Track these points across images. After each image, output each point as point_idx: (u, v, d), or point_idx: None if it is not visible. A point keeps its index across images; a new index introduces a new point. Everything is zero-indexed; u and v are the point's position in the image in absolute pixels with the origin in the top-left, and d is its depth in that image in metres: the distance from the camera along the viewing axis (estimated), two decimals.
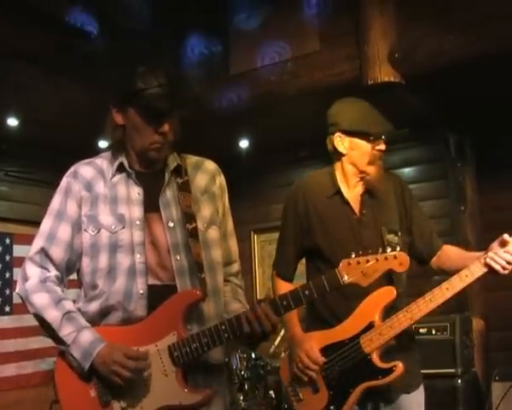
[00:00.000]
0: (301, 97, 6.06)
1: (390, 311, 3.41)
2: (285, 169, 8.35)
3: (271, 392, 6.42)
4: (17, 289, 2.84)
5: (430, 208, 6.64)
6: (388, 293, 3.38)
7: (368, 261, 2.69)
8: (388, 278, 3.30)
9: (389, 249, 2.74)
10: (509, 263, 3.29)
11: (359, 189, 3.61)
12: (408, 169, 7.28)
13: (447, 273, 3.49)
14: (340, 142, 3.60)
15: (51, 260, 2.81)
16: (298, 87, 5.99)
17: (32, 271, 2.81)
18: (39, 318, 2.76)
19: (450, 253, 3.66)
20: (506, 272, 3.31)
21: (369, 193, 3.60)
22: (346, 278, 2.69)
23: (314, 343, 3.45)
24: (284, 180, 8.34)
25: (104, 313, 2.75)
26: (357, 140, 3.56)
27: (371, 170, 3.56)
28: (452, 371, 5.89)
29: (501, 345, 6.70)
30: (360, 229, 3.55)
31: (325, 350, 3.44)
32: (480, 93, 6.12)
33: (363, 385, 3.36)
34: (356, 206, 3.59)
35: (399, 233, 3.56)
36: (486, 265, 3.32)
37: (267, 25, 6.09)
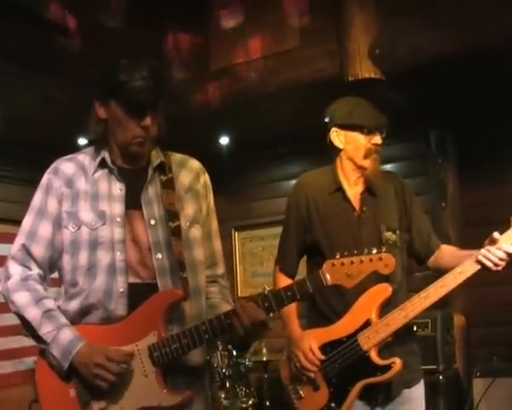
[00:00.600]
0: (282, 94, 6.04)
1: (388, 307, 3.43)
2: (266, 166, 8.35)
3: (253, 390, 6.41)
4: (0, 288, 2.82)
5: None
6: (384, 290, 3.40)
7: (352, 262, 2.66)
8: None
9: (374, 251, 2.69)
10: (501, 260, 3.32)
11: (360, 187, 3.65)
12: (389, 166, 7.26)
13: (443, 272, 3.50)
14: (337, 136, 3.65)
15: (33, 258, 2.79)
16: (278, 83, 5.97)
17: (14, 269, 2.79)
18: (20, 316, 2.75)
19: (445, 252, 3.70)
20: (499, 268, 3.35)
21: (369, 191, 3.64)
22: (329, 279, 2.66)
23: (312, 342, 3.47)
24: (265, 177, 8.36)
25: (84, 311, 2.73)
26: (352, 133, 3.62)
27: (367, 164, 3.60)
28: (434, 367, 5.91)
29: (482, 341, 6.71)
30: (359, 226, 3.58)
31: (324, 348, 3.47)
32: (460, 89, 6.12)
33: (361, 382, 3.40)
34: (356, 203, 3.63)
35: (398, 231, 3.61)
36: (479, 262, 3.36)
37: (247, 21, 6.07)
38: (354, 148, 3.61)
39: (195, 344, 2.65)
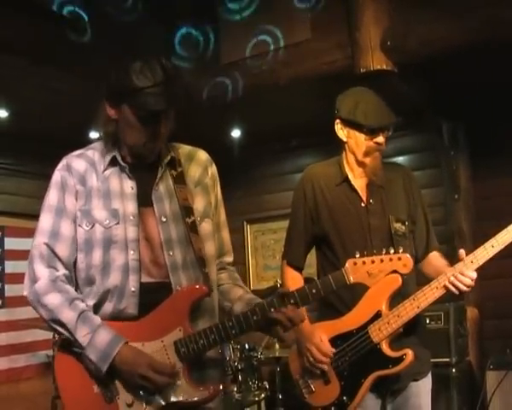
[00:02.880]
0: (293, 86, 6.03)
1: (398, 298, 3.43)
2: (278, 159, 8.34)
3: (265, 383, 6.41)
4: (26, 292, 2.75)
5: (424, 197, 6.61)
6: (394, 281, 3.36)
7: (373, 262, 2.74)
8: None
9: (392, 251, 2.76)
10: (467, 286, 3.36)
11: (366, 179, 3.64)
12: (401, 158, 7.26)
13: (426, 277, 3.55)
14: (340, 129, 3.65)
15: (58, 259, 2.74)
16: (289, 76, 5.95)
17: (41, 271, 2.73)
18: (53, 320, 2.68)
19: (431, 258, 3.70)
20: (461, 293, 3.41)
21: (375, 183, 3.64)
22: (352, 278, 2.72)
23: (323, 335, 3.47)
24: (277, 170, 8.35)
25: (96, 309, 2.71)
26: (352, 130, 3.59)
27: (368, 161, 3.58)
28: (447, 360, 5.90)
29: (495, 334, 6.69)
30: (368, 217, 3.57)
31: (334, 341, 3.47)
32: (473, 80, 6.10)
33: (374, 375, 3.40)
34: (363, 194, 3.62)
35: (407, 223, 3.61)
36: (445, 288, 3.40)
37: (257, 13, 6.05)
38: (355, 144, 3.59)
39: (222, 340, 2.65)
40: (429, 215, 3.80)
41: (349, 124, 3.59)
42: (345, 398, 3.41)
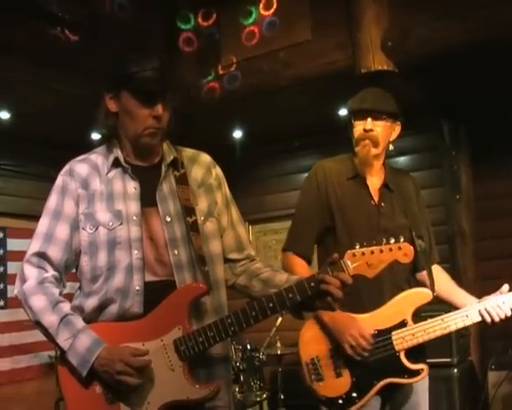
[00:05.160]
0: (294, 87, 6.03)
1: (387, 286, 3.45)
2: (279, 159, 8.35)
3: (267, 383, 6.42)
4: (15, 291, 2.79)
5: (425, 197, 6.54)
6: (425, 296, 3.44)
7: (372, 252, 2.69)
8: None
9: (392, 240, 2.72)
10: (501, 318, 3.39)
11: (376, 178, 3.66)
12: (402, 158, 7.26)
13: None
14: (350, 126, 3.68)
15: (49, 261, 2.77)
16: (290, 77, 5.95)
17: (30, 272, 2.76)
18: (37, 322, 2.71)
19: (438, 277, 3.67)
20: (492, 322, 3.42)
21: (386, 186, 3.65)
22: (351, 268, 2.67)
23: (367, 328, 3.40)
24: (278, 170, 8.35)
25: (101, 308, 2.72)
26: (353, 121, 3.62)
27: (358, 150, 3.61)
28: (448, 360, 5.89)
29: (497, 334, 6.65)
30: (378, 217, 3.58)
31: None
32: (473, 80, 6.10)
33: (388, 380, 3.40)
34: (375, 194, 3.63)
35: (425, 238, 3.60)
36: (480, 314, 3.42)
37: (259, 14, 6.06)
38: (352, 135, 3.63)
39: (221, 337, 2.65)
40: (431, 228, 3.81)
41: (351, 115, 3.64)
42: (354, 395, 3.40)
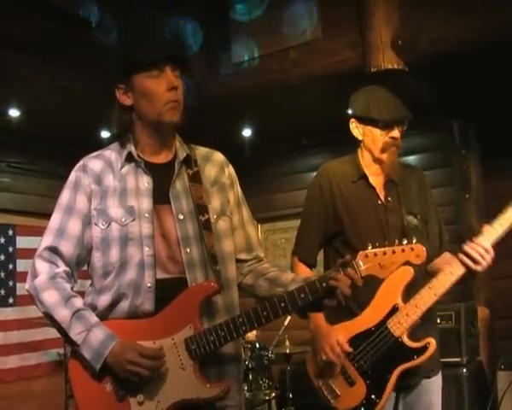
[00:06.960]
0: (304, 85, 6.03)
1: (411, 290, 3.41)
2: (288, 158, 8.35)
3: (276, 382, 6.41)
4: (27, 286, 2.79)
5: (435, 197, 6.59)
6: (406, 273, 3.35)
7: (385, 253, 2.68)
8: None
9: (405, 241, 2.71)
10: (481, 256, 3.34)
11: (382, 176, 3.65)
12: (412, 157, 7.25)
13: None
14: (355, 128, 3.66)
15: (61, 256, 2.76)
16: (300, 75, 5.95)
17: (41, 267, 2.75)
18: (49, 317, 2.71)
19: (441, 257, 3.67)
20: (479, 267, 3.36)
21: (392, 181, 3.64)
22: (363, 269, 2.66)
23: (340, 335, 3.42)
24: (287, 169, 8.35)
25: (113, 306, 2.72)
26: (368, 127, 3.61)
27: (385, 157, 3.60)
28: (457, 360, 5.88)
29: (506, 333, 6.68)
30: (386, 215, 3.58)
31: (353, 341, 3.44)
32: (483, 79, 6.09)
33: (400, 368, 3.38)
34: (381, 192, 3.63)
35: (419, 216, 3.61)
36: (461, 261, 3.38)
37: (269, 12, 6.06)
38: (371, 141, 3.60)
39: (232, 336, 2.64)
40: (442, 219, 3.79)
41: (364, 121, 3.60)
42: (373, 396, 3.38)
